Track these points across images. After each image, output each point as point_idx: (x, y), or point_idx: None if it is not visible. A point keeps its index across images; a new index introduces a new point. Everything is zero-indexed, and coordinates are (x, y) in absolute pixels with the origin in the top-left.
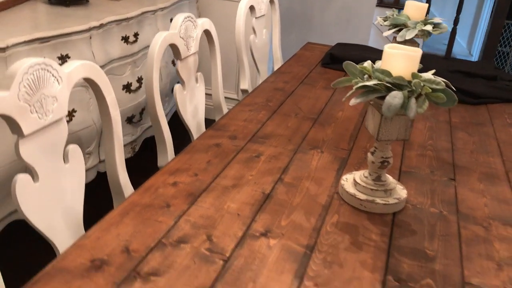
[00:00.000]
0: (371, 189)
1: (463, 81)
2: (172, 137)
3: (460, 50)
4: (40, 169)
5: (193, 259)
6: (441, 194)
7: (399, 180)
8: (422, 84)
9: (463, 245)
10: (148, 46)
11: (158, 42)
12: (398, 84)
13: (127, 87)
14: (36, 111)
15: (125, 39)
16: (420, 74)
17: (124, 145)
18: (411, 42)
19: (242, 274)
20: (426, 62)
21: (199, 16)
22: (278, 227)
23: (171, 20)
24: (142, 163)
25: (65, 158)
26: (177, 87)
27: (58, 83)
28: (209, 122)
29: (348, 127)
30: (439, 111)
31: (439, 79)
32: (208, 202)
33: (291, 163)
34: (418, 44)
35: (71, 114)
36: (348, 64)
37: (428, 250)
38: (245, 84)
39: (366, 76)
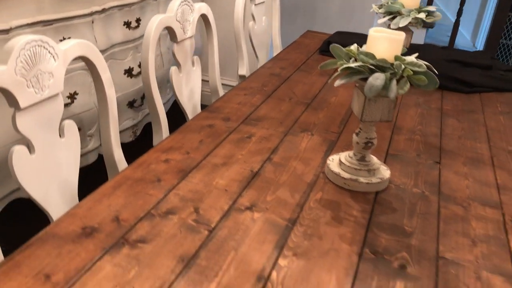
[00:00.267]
0: (355, 169)
1: (458, 70)
2: (172, 123)
3: (465, 42)
4: (36, 142)
5: (179, 229)
6: (425, 176)
7: (385, 162)
8: (403, 66)
9: (441, 223)
10: None
11: (154, 24)
12: (381, 66)
13: (128, 72)
14: (33, 86)
15: (127, 24)
16: (403, 57)
17: (125, 129)
18: (405, 30)
19: (225, 243)
20: (424, 51)
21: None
22: (263, 202)
23: None
24: (143, 147)
25: (61, 133)
26: (173, 69)
27: (54, 60)
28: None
29: (340, 112)
30: (432, 98)
31: (421, 62)
32: (198, 178)
33: (281, 144)
34: (412, 32)
35: (72, 97)
36: (334, 47)
37: (407, 227)
38: (243, 70)
39: (352, 59)
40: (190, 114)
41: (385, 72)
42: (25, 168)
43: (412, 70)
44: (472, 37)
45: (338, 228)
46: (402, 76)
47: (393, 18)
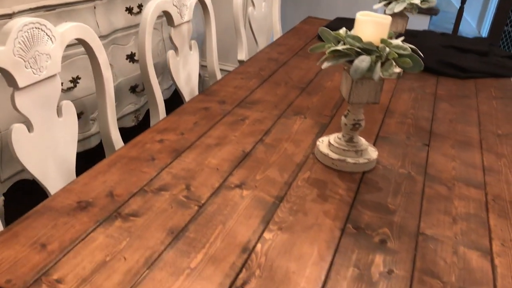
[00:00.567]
0: (343, 150)
1: (455, 55)
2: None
3: (470, 30)
4: (34, 121)
5: (170, 204)
6: (412, 157)
7: (374, 144)
8: (388, 49)
9: (424, 201)
10: None
11: (151, 8)
12: (367, 49)
13: (130, 57)
14: (31, 67)
15: (129, 10)
16: (389, 40)
17: (127, 114)
18: (400, 16)
19: (214, 218)
20: (421, 37)
21: None
22: (252, 181)
23: None
24: None
25: (59, 113)
26: (170, 53)
27: (52, 42)
28: None
29: (334, 96)
30: (427, 83)
31: (406, 45)
32: (191, 158)
33: (273, 127)
34: (408, 18)
35: (75, 81)
36: (323, 30)
37: (390, 205)
38: (242, 55)
39: (341, 42)
40: (187, 98)
41: (371, 55)
42: (24, 145)
43: (397, 53)
44: (478, 25)
45: (323, 205)
46: (387, 59)
47: (389, 3)
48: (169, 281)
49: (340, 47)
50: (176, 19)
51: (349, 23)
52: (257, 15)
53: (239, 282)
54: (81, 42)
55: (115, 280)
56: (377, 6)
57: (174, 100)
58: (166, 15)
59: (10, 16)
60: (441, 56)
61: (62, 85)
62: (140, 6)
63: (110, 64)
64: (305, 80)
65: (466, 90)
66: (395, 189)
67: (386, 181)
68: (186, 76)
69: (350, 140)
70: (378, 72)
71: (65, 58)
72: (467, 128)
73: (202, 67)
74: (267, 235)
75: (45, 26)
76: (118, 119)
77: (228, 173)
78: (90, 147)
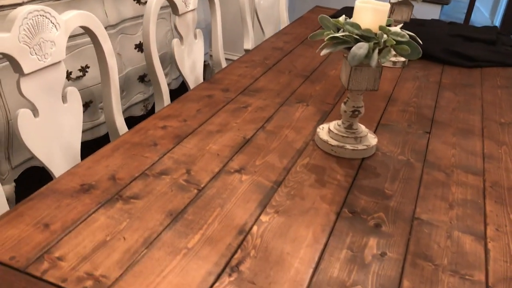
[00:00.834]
0: (343, 136)
1: (461, 44)
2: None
3: (483, 20)
4: (40, 106)
5: (171, 188)
6: (412, 145)
7: (375, 131)
8: (385, 36)
9: (421, 187)
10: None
11: None
12: (365, 36)
13: (139, 46)
14: (36, 53)
15: None
16: (387, 27)
17: (136, 103)
18: (405, 4)
19: (212, 201)
20: (428, 26)
21: None
22: (252, 166)
23: None
24: None
25: (64, 99)
26: (175, 40)
27: (56, 29)
28: None
29: (337, 84)
30: (431, 72)
31: (405, 32)
32: (192, 143)
33: (275, 114)
34: (413, 6)
35: (84, 70)
36: (322, 18)
37: (387, 190)
38: (249, 44)
39: (341, 29)
40: (192, 86)
41: (369, 42)
42: (30, 130)
43: (395, 40)
44: (491, 15)
45: (320, 190)
46: (385, 46)
47: None
48: (166, 260)
49: (338, 34)
50: (181, 8)
51: None
52: (264, 4)
53: (234, 262)
54: (85, 30)
55: (114, 259)
56: None
57: (183, 90)
58: (171, 3)
59: (20, 5)
60: (447, 45)
61: (71, 74)
62: None
63: (119, 54)
64: (309, 68)
65: (471, 79)
66: (393, 175)
67: (385, 167)
68: (191, 64)
69: (349, 127)
70: (375, 59)
71: (74, 47)
72: (470, 116)
73: (211, 57)
74: (263, 218)
75: (50, 13)
76: (127, 108)
77: (228, 159)
78: (99, 135)
